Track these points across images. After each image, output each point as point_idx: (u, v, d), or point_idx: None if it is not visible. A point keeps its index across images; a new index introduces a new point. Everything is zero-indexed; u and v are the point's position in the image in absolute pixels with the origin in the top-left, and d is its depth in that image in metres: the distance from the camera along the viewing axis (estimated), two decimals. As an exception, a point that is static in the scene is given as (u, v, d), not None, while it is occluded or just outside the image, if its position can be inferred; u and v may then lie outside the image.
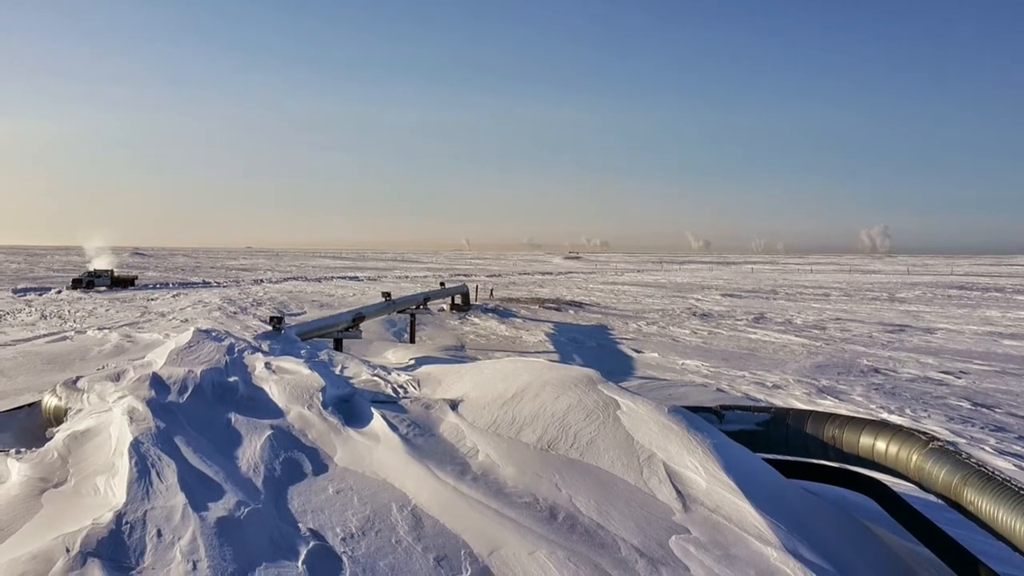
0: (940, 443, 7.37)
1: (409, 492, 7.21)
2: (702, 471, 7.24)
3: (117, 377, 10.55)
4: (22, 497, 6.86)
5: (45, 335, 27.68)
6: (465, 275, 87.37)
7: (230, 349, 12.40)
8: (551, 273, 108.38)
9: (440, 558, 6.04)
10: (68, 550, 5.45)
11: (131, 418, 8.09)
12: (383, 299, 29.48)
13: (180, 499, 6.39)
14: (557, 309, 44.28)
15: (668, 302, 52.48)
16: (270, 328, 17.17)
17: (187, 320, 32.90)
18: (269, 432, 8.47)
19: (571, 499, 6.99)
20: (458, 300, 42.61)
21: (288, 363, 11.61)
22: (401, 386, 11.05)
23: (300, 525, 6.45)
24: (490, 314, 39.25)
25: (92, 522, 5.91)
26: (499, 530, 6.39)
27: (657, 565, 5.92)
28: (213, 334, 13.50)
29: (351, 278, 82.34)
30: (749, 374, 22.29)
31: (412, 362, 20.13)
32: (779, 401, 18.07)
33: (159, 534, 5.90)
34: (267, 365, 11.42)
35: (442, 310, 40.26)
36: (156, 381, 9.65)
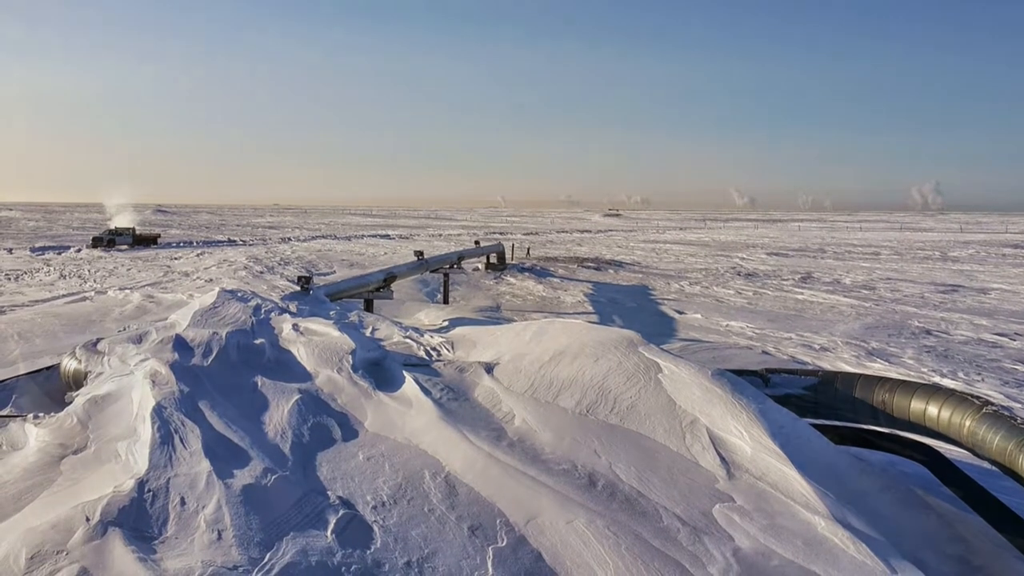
0: (994, 408, 7.14)
1: (442, 459, 6.98)
2: (747, 437, 6.92)
3: (139, 339, 10.34)
4: (40, 464, 6.77)
5: (64, 295, 27.69)
6: (501, 233, 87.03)
7: (256, 310, 12.18)
8: (590, 231, 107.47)
9: (475, 527, 5.81)
10: (88, 519, 5.32)
11: (153, 382, 7.95)
12: (415, 258, 29.26)
13: (204, 466, 6.23)
14: (596, 268, 43.78)
15: (711, 261, 51.49)
16: (298, 288, 17.03)
17: (212, 280, 33.00)
18: (297, 396, 8.27)
19: (611, 466, 6.71)
20: (493, 259, 42.30)
21: (317, 325, 11.37)
22: (434, 348, 10.83)
23: (329, 493, 6.25)
24: (526, 274, 38.94)
25: (113, 490, 5.78)
26: (536, 498, 6.13)
27: (700, 534, 5.64)
28: (239, 294, 13.30)
29: (382, 236, 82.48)
30: (796, 336, 21.69)
31: (446, 323, 19.96)
32: (827, 364, 17.51)
33: (183, 502, 5.75)
34: (295, 327, 11.20)
35: (477, 269, 40.06)
36: (179, 343, 9.49)
